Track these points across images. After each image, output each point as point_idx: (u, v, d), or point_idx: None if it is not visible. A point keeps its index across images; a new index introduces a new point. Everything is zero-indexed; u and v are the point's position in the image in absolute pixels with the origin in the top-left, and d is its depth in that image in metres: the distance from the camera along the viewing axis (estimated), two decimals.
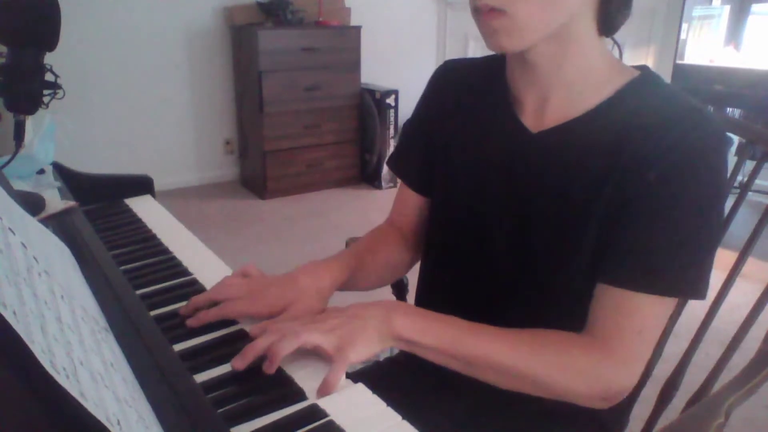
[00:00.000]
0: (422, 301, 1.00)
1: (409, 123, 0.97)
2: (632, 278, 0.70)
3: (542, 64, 0.75)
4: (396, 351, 1.01)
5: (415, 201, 0.96)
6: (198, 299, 0.77)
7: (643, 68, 0.78)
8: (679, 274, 0.70)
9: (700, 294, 0.71)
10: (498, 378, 0.72)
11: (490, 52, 0.89)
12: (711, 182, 0.70)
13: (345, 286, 0.86)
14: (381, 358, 1.04)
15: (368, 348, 0.68)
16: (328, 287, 0.82)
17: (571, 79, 0.75)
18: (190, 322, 0.74)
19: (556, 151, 0.76)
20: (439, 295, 0.94)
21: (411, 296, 1.05)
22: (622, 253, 0.71)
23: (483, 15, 0.69)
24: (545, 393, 0.72)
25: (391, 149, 0.95)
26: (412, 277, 1.05)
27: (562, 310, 0.78)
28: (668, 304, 0.71)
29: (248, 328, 0.75)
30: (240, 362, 0.65)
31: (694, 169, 0.69)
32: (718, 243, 0.72)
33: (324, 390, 0.63)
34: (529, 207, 0.78)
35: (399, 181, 0.99)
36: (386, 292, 1.24)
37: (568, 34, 0.72)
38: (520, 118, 0.80)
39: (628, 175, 0.71)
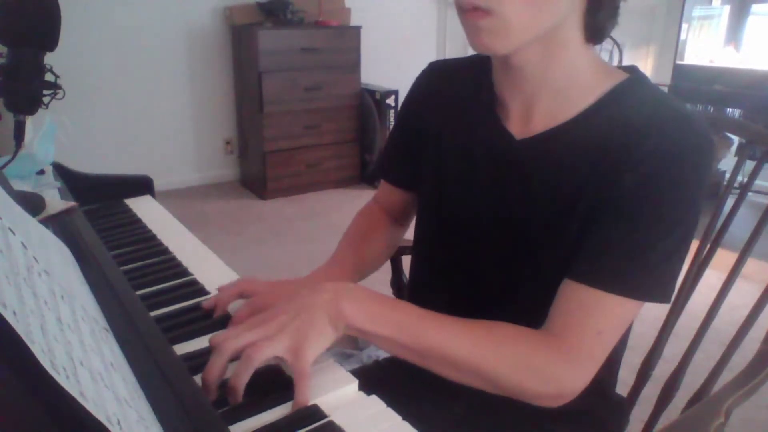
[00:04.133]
0: (415, 299, 1.00)
1: (394, 129, 1.00)
2: (599, 276, 0.70)
3: (528, 70, 0.73)
4: None
5: (402, 196, 0.99)
6: (222, 296, 0.79)
7: (631, 69, 0.77)
8: (644, 277, 0.70)
9: (665, 298, 0.71)
10: (451, 372, 0.70)
11: None
12: (687, 190, 0.69)
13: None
14: (380, 358, 1.04)
15: (323, 340, 0.65)
16: None
17: (557, 86, 0.74)
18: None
19: (541, 158, 0.76)
20: (432, 293, 0.94)
21: None
22: (593, 251, 0.71)
23: (467, 13, 0.67)
24: (498, 390, 0.71)
25: None
26: None
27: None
28: (632, 306, 0.70)
29: None
30: (210, 395, 0.62)
31: (670, 176, 0.68)
32: (687, 250, 0.71)
33: (299, 405, 0.61)
34: (516, 212, 0.79)
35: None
36: (386, 291, 1.24)
37: (554, 39, 0.71)
38: (506, 123, 0.79)
39: (607, 177, 0.71)
